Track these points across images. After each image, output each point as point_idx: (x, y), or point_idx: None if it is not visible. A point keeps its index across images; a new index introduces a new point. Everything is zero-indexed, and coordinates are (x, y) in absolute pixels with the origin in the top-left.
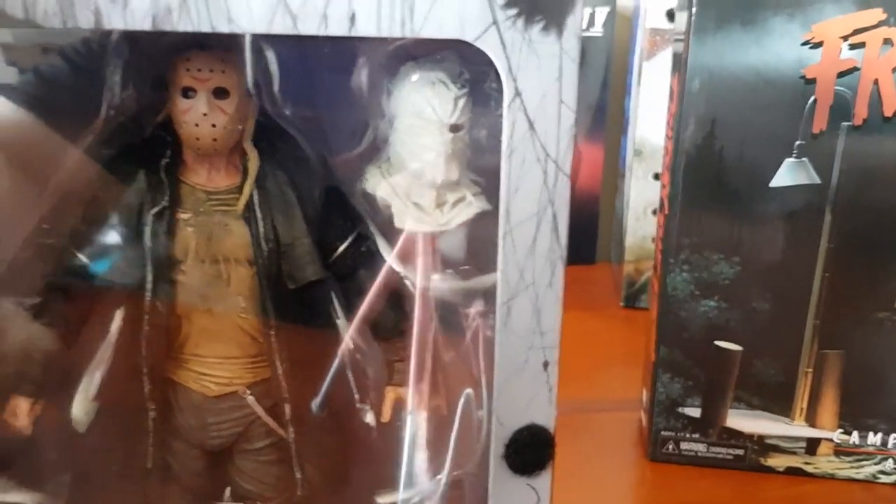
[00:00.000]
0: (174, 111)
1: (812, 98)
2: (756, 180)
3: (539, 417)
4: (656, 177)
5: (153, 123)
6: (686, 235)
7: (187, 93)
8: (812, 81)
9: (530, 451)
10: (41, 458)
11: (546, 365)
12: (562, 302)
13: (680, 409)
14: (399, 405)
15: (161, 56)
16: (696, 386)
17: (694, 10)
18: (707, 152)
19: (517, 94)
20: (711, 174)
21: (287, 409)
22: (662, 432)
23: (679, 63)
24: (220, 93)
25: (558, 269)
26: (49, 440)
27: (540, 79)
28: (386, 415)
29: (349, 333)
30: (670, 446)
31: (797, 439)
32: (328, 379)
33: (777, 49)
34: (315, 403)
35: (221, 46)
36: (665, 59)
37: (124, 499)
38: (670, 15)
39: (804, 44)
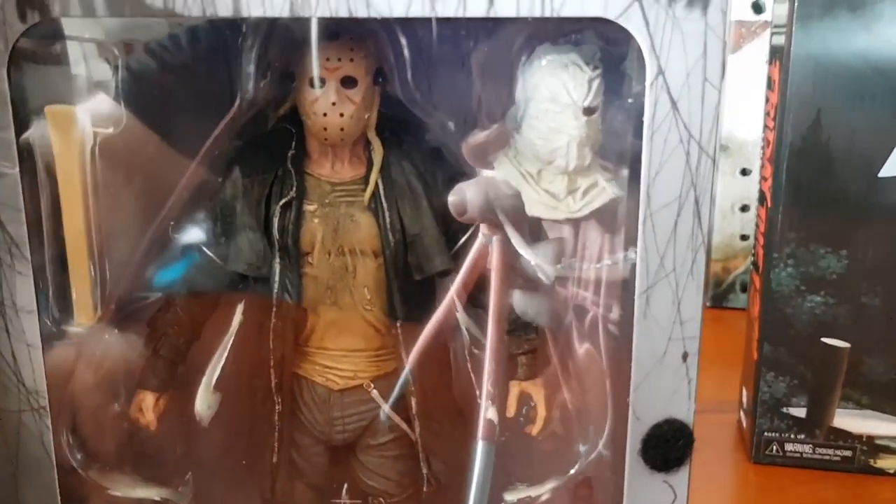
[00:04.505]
0: (302, 101)
1: None
2: (865, 170)
3: (678, 412)
4: (744, 172)
5: (276, 116)
6: (791, 229)
7: (315, 82)
8: None
9: (671, 446)
10: (168, 453)
11: (686, 356)
12: (703, 291)
13: (784, 410)
14: (524, 400)
15: (288, 47)
16: (802, 385)
17: None
18: (813, 143)
19: (660, 72)
20: (818, 165)
21: (413, 402)
22: (766, 433)
23: (780, 52)
24: (347, 82)
25: (700, 256)
26: (175, 435)
27: (684, 57)
28: (511, 410)
29: (466, 326)
30: (774, 448)
31: None
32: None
33: (887, 34)
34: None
35: (350, 35)
36: (752, 51)
37: (251, 494)
38: (756, 7)
39: None
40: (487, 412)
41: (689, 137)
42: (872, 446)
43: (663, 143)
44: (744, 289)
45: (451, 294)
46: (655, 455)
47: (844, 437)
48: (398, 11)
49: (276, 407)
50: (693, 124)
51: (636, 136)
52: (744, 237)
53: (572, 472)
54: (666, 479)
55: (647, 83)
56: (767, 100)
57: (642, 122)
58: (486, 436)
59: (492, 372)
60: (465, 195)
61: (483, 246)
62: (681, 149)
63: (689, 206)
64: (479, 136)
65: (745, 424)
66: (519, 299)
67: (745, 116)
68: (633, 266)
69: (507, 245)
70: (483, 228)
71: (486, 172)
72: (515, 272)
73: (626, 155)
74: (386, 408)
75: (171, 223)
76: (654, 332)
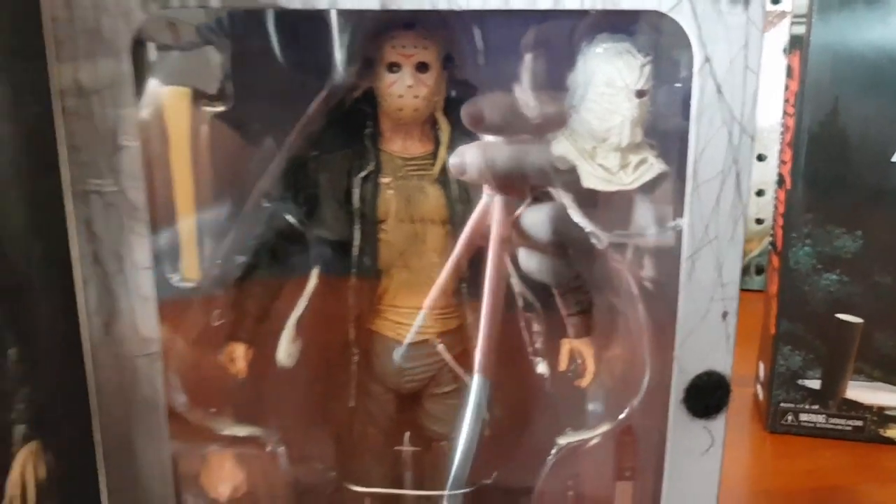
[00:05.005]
0: (379, 85)
1: None
2: (879, 155)
3: (718, 365)
4: (760, 158)
5: (352, 98)
6: (808, 210)
7: (392, 68)
8: None
9: (711, 395)
10: (256, 397)
11: (725, 315)
12: (742, 256)
13: (800, 382)
14: (575, 356)
15: (368, 35)
16: (817, 358)
17: None
18: (830, 129)
19: (707, 60)
20: (834, 149)
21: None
22: (782, 404)
23: (800, 42)
24: (422, 67)
25: (740, 224)
26: (262, 381)
27: (728, 46)
28: (563, 364)
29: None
30: (790, 418)
31: None
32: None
33: None
34: (397, 353)
35: (423, 25)
36: (769, 40)
37: (330, 434)
38: None
39: None
40: (538, 366)
41: (732, 119)
42: (882, 417)
43: (709, 124)
44: (758, 271)
45: (458, 251)
46: (697, 403)
47: (856, 407)
48: (475, 4)
49: (354, 358)
50: (735, 106)
51: (683, 117)
52: (759, 221)
53: (620, 417)
54: (706, 425)
55: (696, 69)
56: (787, 87)
57: (689, 104)
58: (482, 370)
59: (486, 323)
60: (464, 157)
61: (486, 205)
62: (724, 129)
63: (731, 180)
64: (538, 118)
65: (761, 396)
66: (524, 257)
67: (761, 104)
68: (679, 234)
69: (505, 204)
70: (486, 189)
71: (488, 137)
72: (516, 230)
73: (673, 134)
74: (450, 360)
75: (265, 193)
76: (698, 293)
